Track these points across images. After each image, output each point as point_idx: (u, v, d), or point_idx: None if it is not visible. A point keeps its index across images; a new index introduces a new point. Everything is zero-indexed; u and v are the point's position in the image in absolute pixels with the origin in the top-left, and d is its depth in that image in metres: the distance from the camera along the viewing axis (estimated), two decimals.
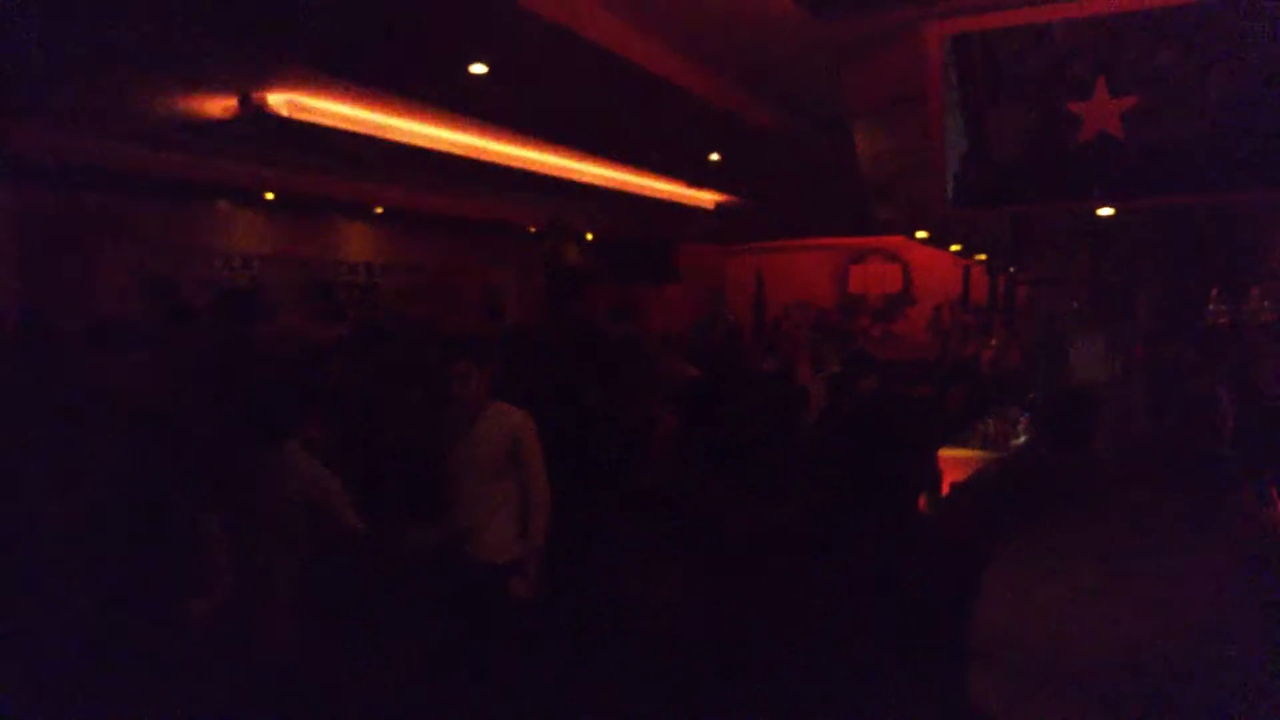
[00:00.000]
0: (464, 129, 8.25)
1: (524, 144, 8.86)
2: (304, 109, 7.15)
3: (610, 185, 10.67)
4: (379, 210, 11.64)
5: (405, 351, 6.36)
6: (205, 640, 3.63)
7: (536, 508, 4.20)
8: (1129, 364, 6.59)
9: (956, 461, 5.50)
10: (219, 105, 7.16)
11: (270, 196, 10.25)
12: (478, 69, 5.95)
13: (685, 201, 12.58)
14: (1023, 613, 2.12)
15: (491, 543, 4.20)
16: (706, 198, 12.87)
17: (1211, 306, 6.58)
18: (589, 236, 15.04)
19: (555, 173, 9.75)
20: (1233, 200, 4.75)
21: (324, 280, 11.13)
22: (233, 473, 3.88)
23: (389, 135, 7.92)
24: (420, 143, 8.23)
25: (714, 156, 9.24)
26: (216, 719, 3.50)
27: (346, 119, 7.49)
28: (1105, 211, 4.88)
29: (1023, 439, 6.58)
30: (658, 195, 11.72)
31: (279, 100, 7.02)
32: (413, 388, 5.55)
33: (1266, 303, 6.23)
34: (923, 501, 4.14)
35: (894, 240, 14.86)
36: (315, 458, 3.97)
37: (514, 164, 9.19)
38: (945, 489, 4.49)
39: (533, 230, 13.77)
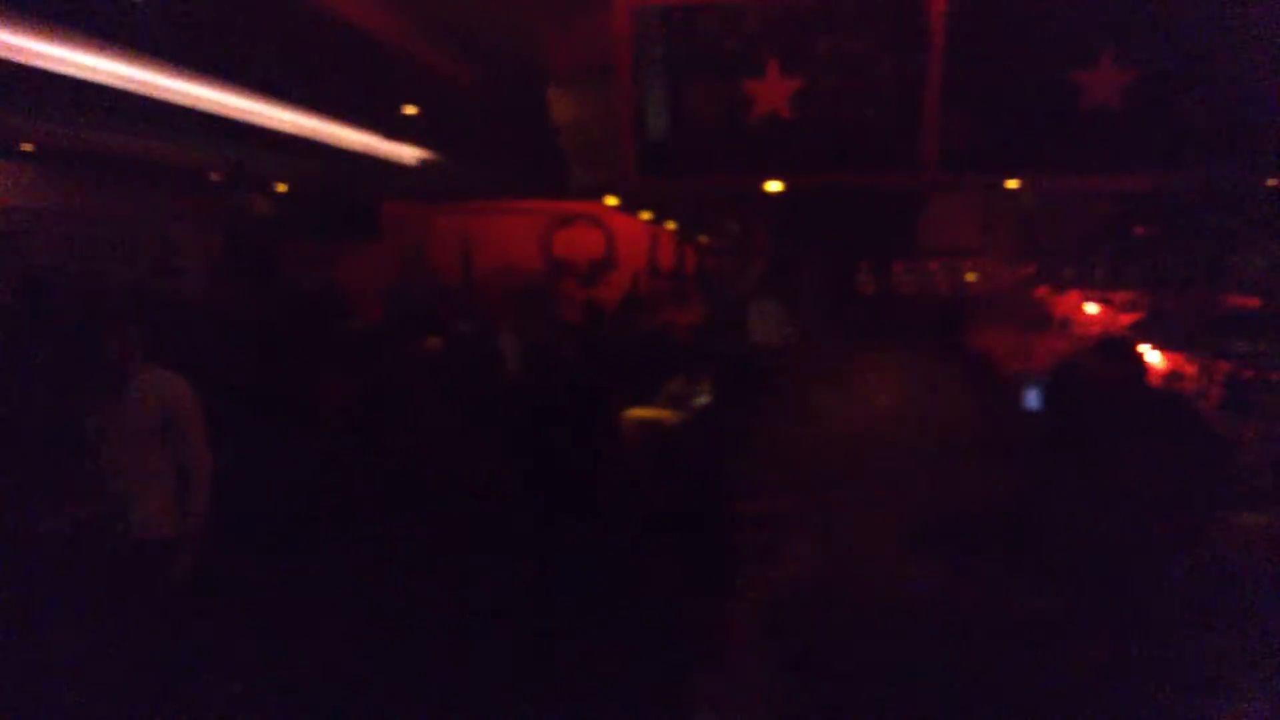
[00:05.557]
0: (130, 61, 7.39)
1: (199, 82, 8.10)
2: None
3: (302, 134, 10.04)
4: (28, 148, 10.18)
5: (51, 308, 5.66)
6: None
7: (195, 480, 3.90)
8: (801, 330, 7.14)
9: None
10: None
11: None
12: None
13: (385, 156, 12.12)
14: None
15: (144, 518, 3.86)
16: (408, 153, 12.48)
17: (861, 279, 7.33)
18: (281, 188, 14.09)
19: (237, 116, 9.01)
20: (881, 181, 5.27)
21: None
22: None
23: (38, 62, 6.92)
24: (78, 73, 7.26)
25: (409, 110, 8.95)
26: None
27: None
28: (775, 186, 5.25)
29: (705, 399, 6.96)
30: (355, 147, 11.20)
31: None
32: (57, 347, 4.97)
33: (909, 276, 7.05)
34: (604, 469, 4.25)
35: (598, 206, 15.15)
36: None
37: (189, 103, 8.37)
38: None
39: (215, 178, 12.66)
